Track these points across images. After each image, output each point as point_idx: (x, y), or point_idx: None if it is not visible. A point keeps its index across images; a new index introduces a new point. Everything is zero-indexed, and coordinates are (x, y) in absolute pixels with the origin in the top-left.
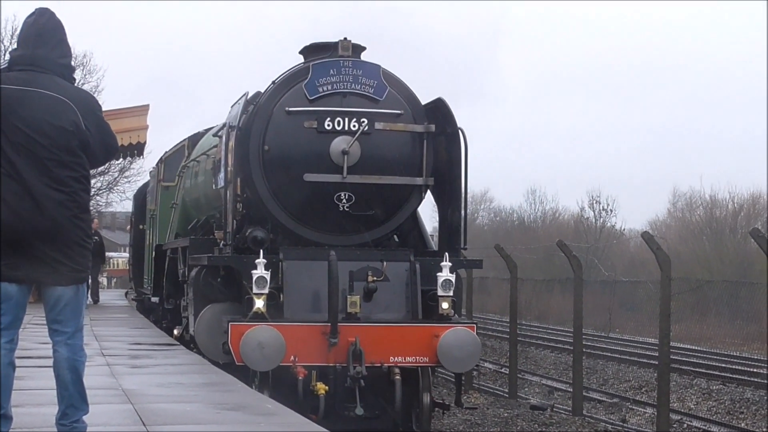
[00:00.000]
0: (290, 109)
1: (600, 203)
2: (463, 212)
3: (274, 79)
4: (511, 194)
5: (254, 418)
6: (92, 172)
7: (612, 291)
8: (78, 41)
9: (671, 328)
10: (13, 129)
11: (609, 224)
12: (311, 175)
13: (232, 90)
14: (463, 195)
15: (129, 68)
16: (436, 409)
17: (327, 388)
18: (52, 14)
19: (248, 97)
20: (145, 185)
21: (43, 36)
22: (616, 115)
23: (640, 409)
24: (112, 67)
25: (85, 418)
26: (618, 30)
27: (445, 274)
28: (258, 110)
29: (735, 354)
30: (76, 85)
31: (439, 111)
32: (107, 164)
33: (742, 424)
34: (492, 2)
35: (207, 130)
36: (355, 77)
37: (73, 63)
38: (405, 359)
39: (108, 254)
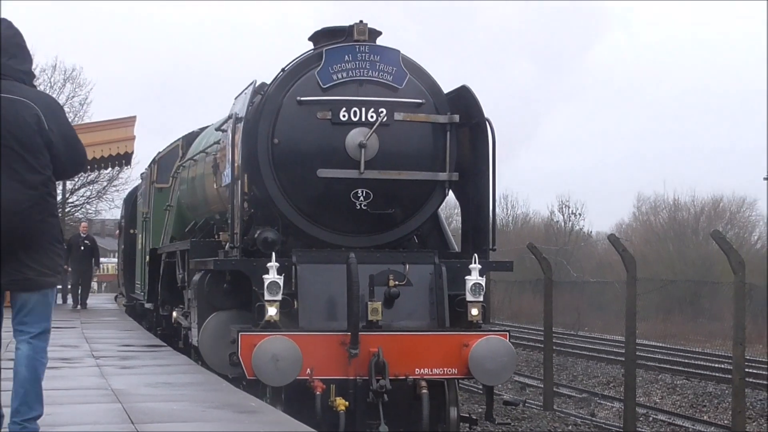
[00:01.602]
0: (302, 98)
1: (569, 207)
2: (491, 211)
3: (283, 66)
4: None
5: (238, 416)
6: (81, 181)
7: (581, 291)
8: (68, 56)
9: (637, 326)
10: None
11: (577, 227)
12: (325, 170)
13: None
14: (491, 191)
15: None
16: (462, 423)
17: (347, 403)
18: (10, 24)
19: (255, 86)
20: (135, 189)
21: (2, 45)
22: (582, 126)
23: (608, 403)
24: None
25: (39, 421)
26: None
27: (474, 278)
28: (266, 100)
29: (698, 350)
30: (59, 93)
31: (463, 100)
32: (93, 173)
33: (705, 417)
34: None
35: (202, 129)
36: (372, 63)
37: (33, 68)
38: (432, 371)
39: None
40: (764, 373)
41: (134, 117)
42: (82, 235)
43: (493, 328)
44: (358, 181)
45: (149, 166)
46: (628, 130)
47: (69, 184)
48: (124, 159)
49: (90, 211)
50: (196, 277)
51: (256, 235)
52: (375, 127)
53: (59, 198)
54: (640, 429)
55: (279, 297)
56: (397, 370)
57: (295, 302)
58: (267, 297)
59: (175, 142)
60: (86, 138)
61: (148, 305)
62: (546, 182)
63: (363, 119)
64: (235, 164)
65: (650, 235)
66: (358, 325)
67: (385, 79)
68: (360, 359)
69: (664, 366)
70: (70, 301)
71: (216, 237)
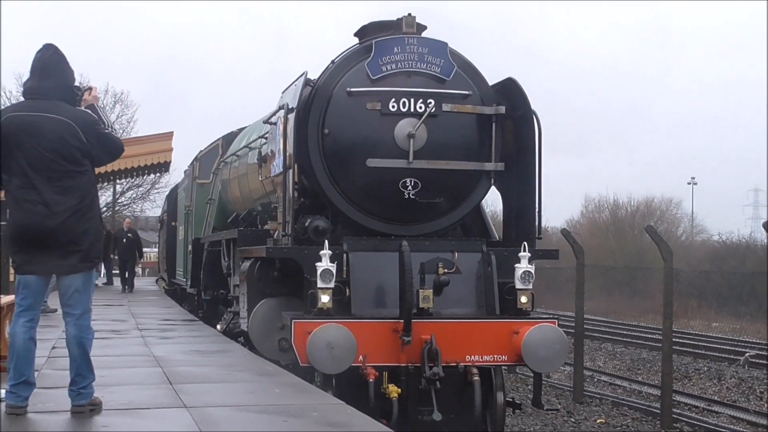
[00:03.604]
0: (352, 89)
1: None
2: (537, 201)
3: (333, 58)
4: None
5: (258, 378)
6: (127, 184)
7: (538, 275)
8: (116, 81)
9: (585, 304)
10: (27, 148)
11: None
12: (374, 160)
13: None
14: (537, 182)
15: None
16: (507, 408)
17: (400, 390)
18: (56, 49)
19: (306, 77)
20: (176, 187)
21: (47, 68)
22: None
23: (561, 367)
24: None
25: (94, 384)
26: None
27: (524, 266)
28: (316, 91)
29: (634, 324)
30: (118, 116)
31: (508, 92)
32: (138, 178)
33: (640, 378)
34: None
35: (240, 130)
36: (420, 55)
37: (77, 84)
38: (482, 358)
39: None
40: (688, 341)
41: (172, 132)
42: (125, 229)
43: (541, 316)
44: (406, 171)
45: (191, 163)
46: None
47: (119, 188)
48: (163, 167)
49: (136, 210)
50: (246, 265)
51: (306, 224)
52: (424, 117)
53: (110, 199)
54: (586, 388)
55: (332, 285)
56: (448, 358)
57: (347, 290)
58: (320, 284)
59: (215, 141)
60: (133, 149)
61: (191, 290)
62: None
63: (412, 110)
64: (287, 154)
65: (595, 230)
66: (411, 313)
67: (433, 71)
68: (412, 346)
69: (607, 336)
70: (118, 284)
71: (259, 227)
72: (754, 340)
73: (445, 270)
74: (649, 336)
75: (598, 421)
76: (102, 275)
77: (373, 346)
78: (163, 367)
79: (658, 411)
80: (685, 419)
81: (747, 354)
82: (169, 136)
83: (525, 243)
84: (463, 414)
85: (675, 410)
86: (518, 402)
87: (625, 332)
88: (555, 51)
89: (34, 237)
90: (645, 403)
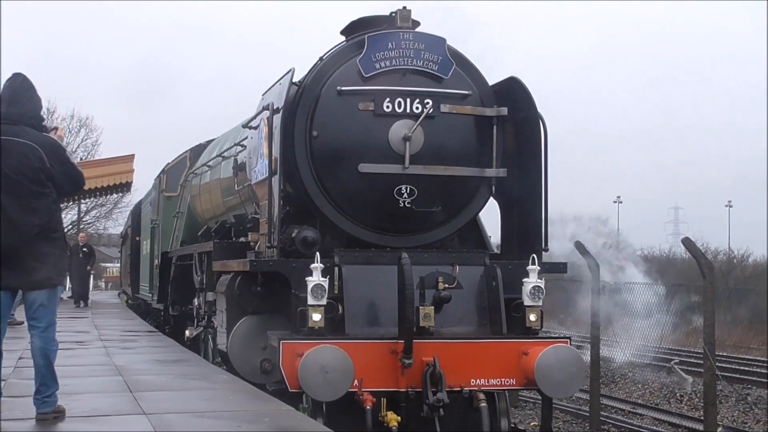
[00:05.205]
0: (342, 88)
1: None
2: (543, 210)
3: (321, 55)
4: None
5: (213, 385)
6: (91, 204)
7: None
8: (81, 106)
9: None
10: None
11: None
12: (367, 165)
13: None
14: (543, 190)
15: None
16: None
17: (399, 419)
18: (24, 77)
19: (292, 74)
20: (140, 203)
21: (15, 96)
22: None
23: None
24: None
25: (58, 393)
26: None
27: (533, 280)
28: (303, 91)
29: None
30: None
31: (509, 93)
32: (101, 198)
33: None
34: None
35: (209, 142)
36: (416, 52)
37: (42, 113)
38: (488, 381)
39: (105, 264)
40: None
41: (133, 155)
42: (80, 243)
43: (551, 336)
44: (401, 177)
45: (158, 176)
46: None
47: (83, 207)
48: (125, 187)
49: (99, 228)
50: (224, 279)
51: (293, 234)
52: (421, 119)
53: (75, 218)
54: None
55: (324, 301)
56: (452, 382)
57: (340, 307)
58: (311, 301)
59: (182, 154)
60: (96, 171)
61: (157, 305)
62: None
63: (408, 111)
64: (273, 157)
65: None
66: (413, 332)
67: (431, 69)
68: (412, 370)
69: None
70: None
71: (233, 239)
72: (676, 348)
73: (446, 285)
74: (580, 344)
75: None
76: (67, 289)
77: (370, 370)
78: (123, 376)
79: (587, 414)
80: (612, 421)
81: (673, 361)
82: (130, 158)
83: (533, 255)
84: None
85: (603, 413)
86: (523, 429)
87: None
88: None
89: (2, 254)
90: (574, 406)
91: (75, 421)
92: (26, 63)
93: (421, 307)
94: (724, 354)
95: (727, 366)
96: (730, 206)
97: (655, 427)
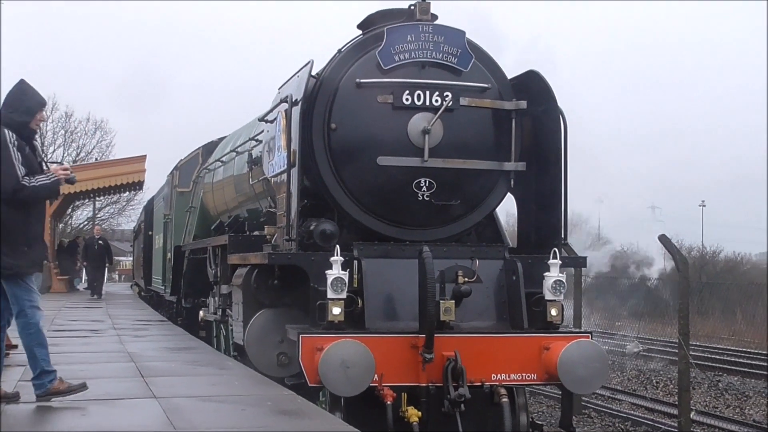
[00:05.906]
0: (361, 80)
1: None
2: (563, 204)
3: (339, 47)
4: None
5: (219, 371)
6: (105, 201)
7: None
8: (96, 109)
9: None
10: None
11: None
12: (386, 158)
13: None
14: (563, 184)
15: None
16: (531, 430)
17: (420, 414)
18: (21, 82)
19: (311, 66)
20: (152, 198)
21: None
22: None
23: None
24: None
25: (72, 376)
26: None
27: (554, 274)
28: (321, 83)
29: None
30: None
31: (528, 86)
32: (115, 196)
33: None
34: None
35: (221, 139)
36: (436, 44)
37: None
38: (509, 376)
39: (118, 258)
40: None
41: (145, 155)
42: (96, 237)
43: (572, 330)
44: (420, 170)
45: (171, 172)
46: None
47: (98, 204)
48: (137, 186)
49: (113, 224)
50: (240, 272)
51: (312, 227)
52: (441, 111)
53: (90, 214)
54: None
55: (344, 295)
56: (472, 376)
57: (360, 300)
58: (330, 295)
59: (195, 150)
60: (110, 170)
61: (170, 298)
62: None
63: (427, 103)
64: (291, 149)
65: None
66: (434, 327)
67: (450, 62)
68: (433, 364)
69: None
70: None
71: (247, 232)
72: (649, 337)
73: (466, 278)
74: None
75: None
76: (84, 281)
77: (391, 364)
78: (136, 362)
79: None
80: (592, 406)
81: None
82: (142, 158)
83: (554, 250)
84: None
85: (583, 399)
86: (540, 423)
87: None
88: None
89: None
90: (556, 392)
91: (91, 404)
92: (41, 68)
93: (441, 301)
94: (697, 344)
95: (700, 354)
96: (704, 206)
97: (632, 412)
